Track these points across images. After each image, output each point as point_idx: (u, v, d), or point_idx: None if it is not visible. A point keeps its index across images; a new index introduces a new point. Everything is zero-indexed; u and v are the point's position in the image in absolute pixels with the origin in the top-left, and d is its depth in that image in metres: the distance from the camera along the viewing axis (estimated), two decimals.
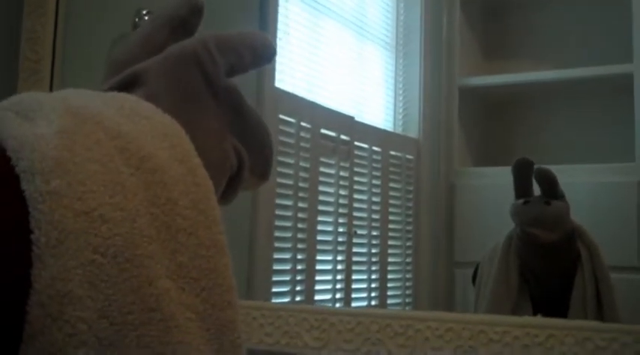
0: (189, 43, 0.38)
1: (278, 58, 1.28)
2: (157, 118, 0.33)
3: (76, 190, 0.27)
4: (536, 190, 1.07)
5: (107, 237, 0.27)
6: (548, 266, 1.07)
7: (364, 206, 1.34)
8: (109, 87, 0.37)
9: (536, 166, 1.08)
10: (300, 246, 1.27)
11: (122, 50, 0.40)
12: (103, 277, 0.27)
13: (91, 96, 0.33)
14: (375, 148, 1.36)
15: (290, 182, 1.26)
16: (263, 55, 0.41)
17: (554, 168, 1.08)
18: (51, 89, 1.12)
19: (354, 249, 1.32)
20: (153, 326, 0.28)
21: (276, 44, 0.42)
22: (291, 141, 1.26)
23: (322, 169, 1.31)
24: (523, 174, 1.08)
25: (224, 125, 0.38)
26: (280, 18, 1.30)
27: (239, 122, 0.39)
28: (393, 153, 1.36)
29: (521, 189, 1.08)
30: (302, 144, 1.28)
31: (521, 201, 1.07)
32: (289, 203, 1.26)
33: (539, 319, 0.95)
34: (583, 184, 1.11)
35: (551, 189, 1.05)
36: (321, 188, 1.30)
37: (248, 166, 0.40)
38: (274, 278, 1.25)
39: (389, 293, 1.33)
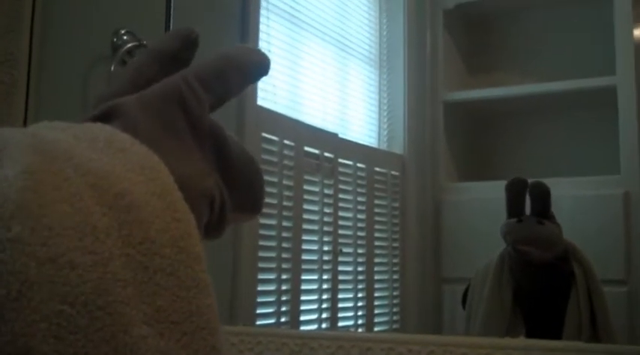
0: (171, 81, 0.36)
1: None
2: (133, 150, 0.31)
3: (41, 236, 0.25)
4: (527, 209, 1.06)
5: (76, 285, 0.25)
6: (543, 286, 1.06)
7: (349, 224, 1.32)
8: (87, 118, 0.35)
9: (531, 180, 1.07)
10: (284, 266, 1.25)
11: (110, 85, 0.38)
12: (72, 329, 0.25)
13: (62, 130, 0.31)
14: (359, 165, 1.34)
15: (274, 201, 1.24)
16: (253, 72, 0.39)
17: None
18: (26, 113, 1.09)
19: (340, 268, 1.30)
20: None
21: (267, 58, 0.39)
22: (274, 159, 1.25)
23: (306, 187, 1.29)
24: (517, 192, 1.07)
25: (207, 163, 0.36)
26: (262, 35, 1.29)
27: (223, 162, 0.37)
28: (377, 169, 1.34)
29: (514, 207, 1.07)
30: (285, 162, 1.26)
31: (513, 219, 1.06)
32: (273, 222, 1.24)
33: (522, 340, 0.94)
34: (568, 197, 1.11)
35: (545, 204, 1.04)
36: (306, 206, 1.28)
37: (235, 205, 0.38)
38: (259, 300, 1.23)
39: (376, 311, 1.31)
